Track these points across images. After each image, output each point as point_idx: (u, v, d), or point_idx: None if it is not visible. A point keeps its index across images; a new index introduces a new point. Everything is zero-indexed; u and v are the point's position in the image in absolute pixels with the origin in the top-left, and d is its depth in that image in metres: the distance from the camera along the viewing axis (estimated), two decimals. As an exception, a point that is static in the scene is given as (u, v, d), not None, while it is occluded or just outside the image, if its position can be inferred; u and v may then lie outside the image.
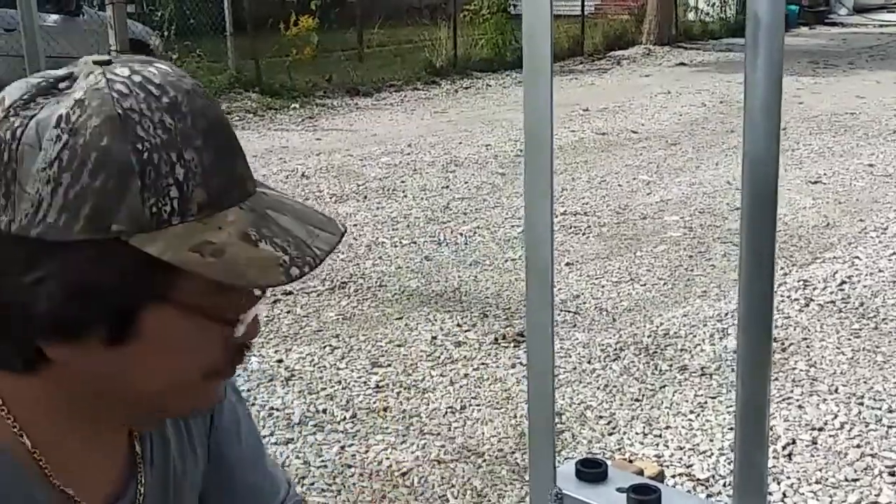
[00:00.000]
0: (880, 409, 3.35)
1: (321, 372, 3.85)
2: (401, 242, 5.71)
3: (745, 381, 1.15)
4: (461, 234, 5.87)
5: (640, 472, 1.59)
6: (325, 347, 4.10)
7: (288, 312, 4.54)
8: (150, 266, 0.80)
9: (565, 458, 2.93)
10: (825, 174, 7.10)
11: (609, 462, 1.45)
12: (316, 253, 0.85)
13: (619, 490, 1.36)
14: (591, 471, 1.41)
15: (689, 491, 2.80)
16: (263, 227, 0.84)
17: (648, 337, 4.15)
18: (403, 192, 6.94)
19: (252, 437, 1.25)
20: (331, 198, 6.76)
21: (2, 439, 0.89)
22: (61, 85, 0.82)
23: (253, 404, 3.45)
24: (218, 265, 0.81)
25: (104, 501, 0.98)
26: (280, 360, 3.94)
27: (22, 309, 0.81)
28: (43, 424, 0.90)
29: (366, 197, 6.79)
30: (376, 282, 5.01)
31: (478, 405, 3.54)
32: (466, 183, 7.18)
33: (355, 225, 6.08)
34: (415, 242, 5.72)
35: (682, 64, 14.67)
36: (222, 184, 0.83)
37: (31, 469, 0.90)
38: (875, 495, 2.80)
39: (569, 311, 4.53)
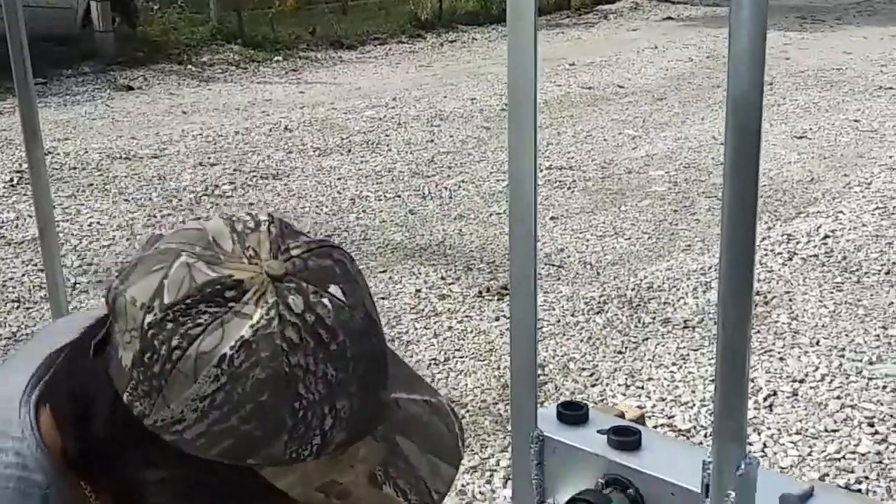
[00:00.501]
0: (861, 361, 3.37)
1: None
2: (385, 196, 5.69)
3: (726, 327, 1.14)
4: (446, 188, 5.84)
5: (622, 415, 1.59)
6: (308, 299, 4.09)
7: (271, 265, 4.52)
8: (274, 491, 0.80)
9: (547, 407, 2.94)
10: (811, 129, 7.09)
11: (590, 405, 1.45)
12: (434, 499, 0.86)
13: (600, 432, 1.36)
14: (573, 413, 1.41)
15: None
16: (391, 466, 0.83)
17: (632, 290, 4.16)
18: (388, 145, 6.90)
19: None
20: (314, 151, 6.71)
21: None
22: (228, 294, 0.76)
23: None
24: None
25: None
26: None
27: (136, 492, 0.81)
28: None
29: (349, 150, 6.75)
30: (360, 235, 4.99)
31: (461, 357, 3.55)
32: (451, 137, 7.14)
33: (339, 178, 6.05)
34: (399, 196, 5.69)
35: (670, 18, 14.57)
36: (364, 421, 0.81)
37: None
38: (854, 445, 2.83)
39: (553, 265, 4.53)
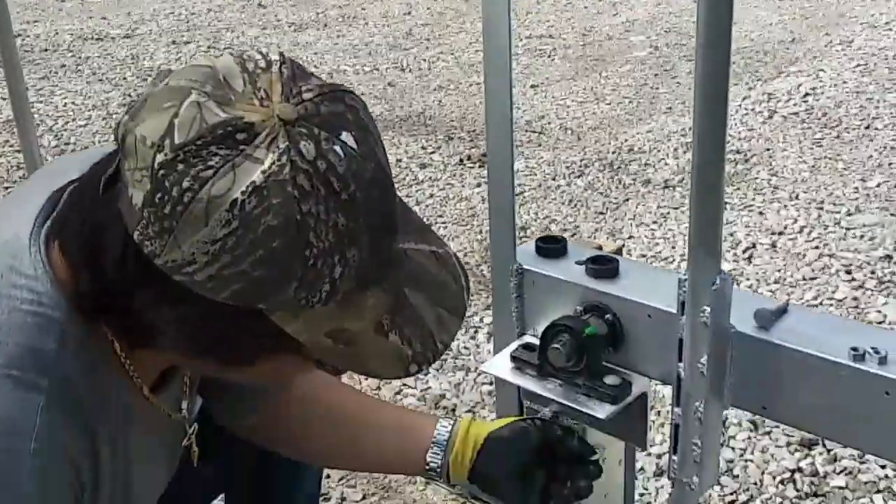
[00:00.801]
0: (839, 212, 3.40)
1: (286, 195, 3.83)
2: (363, 70, 5.61)
3: (701, 140, 1.14)
4: (424, 60, 5.76)
5: (599, 248, 1.60)
6: (289, 172, 4.07)
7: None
8: (283, 335, 0.81)
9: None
10: (793, -9, 6.98)
11: (568, 239, 1.46)
12: (437, 348, 0.88)
13: (578, 262, 1.37)
14: (551, 246, 1.42)
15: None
16: (398, 314, 0.85)
17: (613, 153, 4.16)
18: (364, 19, 6.77)
19: None
20: (289, 26, 6.58)
21: (107, 356, 0.91)
22: (239, 136, 0.75)
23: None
24: (346, 354, 0.84)
25: (166, 395, 1.03)
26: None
27: (149, 331, 0.83)
28: (140, 356, 0.93)
29: (326, 25, 6.62)
30: (339, 108, 4.93)
31: (444, 223, 3.56)
32: (429, 9, 7.00)
33: (315, 53, 5.95)
34: (377, 69, 5.62)
35: None
36: (373, 270, 0.82)
37: (130, 381, 0.95)
38: (832, 292, 2.88)
39: (534, 132, 4.50)
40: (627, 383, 1.28)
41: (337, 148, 0.77)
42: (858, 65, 5.07)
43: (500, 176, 1.44)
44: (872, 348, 1.10)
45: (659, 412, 2.16)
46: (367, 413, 1.34)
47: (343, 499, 2.10)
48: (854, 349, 1.11)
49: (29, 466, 0.81)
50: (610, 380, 1.28)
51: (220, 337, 0.82)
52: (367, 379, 2.37)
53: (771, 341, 1.16)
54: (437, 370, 2.58)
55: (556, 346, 1.27)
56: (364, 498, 2.10)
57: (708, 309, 1.15)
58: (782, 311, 1.21)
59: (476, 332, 2.79)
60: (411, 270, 0.88)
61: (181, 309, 0.79)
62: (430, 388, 2.50)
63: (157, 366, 0.97)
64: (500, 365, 1.37)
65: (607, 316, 1.30)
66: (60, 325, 0.86)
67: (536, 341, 1.33)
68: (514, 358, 1.36)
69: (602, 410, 1.25)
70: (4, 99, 4.66)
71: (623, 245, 2.91)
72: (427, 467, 1.26)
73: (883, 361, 1.09)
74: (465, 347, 2.70)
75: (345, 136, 0.78)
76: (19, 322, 0.84)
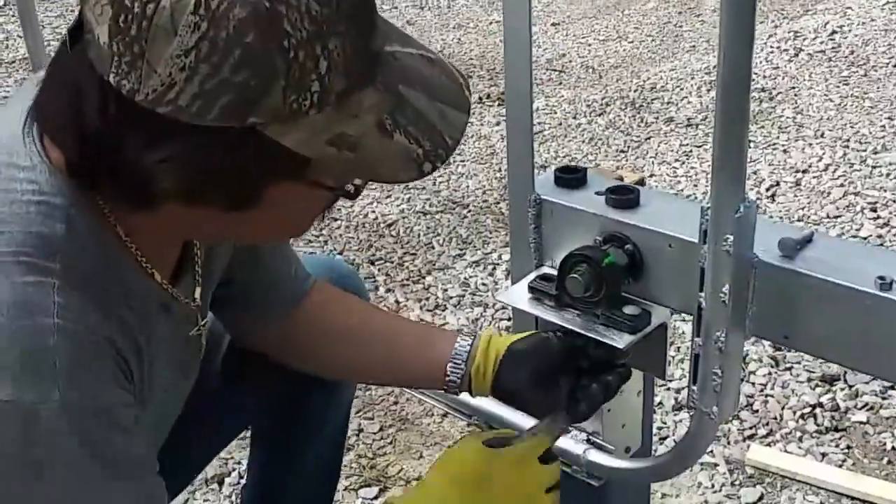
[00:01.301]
0: (865, 150, 3.34)
1: (304, 133, 3.81)
2: (381, 8, 5.50)
3: (726, 63, 1.11)
4: (444, -2, 5.69)
5: (621, 179, 1.58)
6: (307, 111, 4.05)
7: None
8: (283, 152, 0.77)
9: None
10: (821, -73, 6.81)
11: (589, 169, 1.44)
12: (447, 143, 0.84)
13: (598, 193, 1.34)
14: (570, 176, 1.39)
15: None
16: (398, 113, 0.81)
17: (635, 91, 4.10)
18: (383, -43, 6.66)
19: None
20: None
21: (111, 238, 0.89)
22: None
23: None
24: (353, 160, 0.80)
25: (175, 274, 1.01)
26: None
27: (144, 182, 0.79)
28: (143, 232, 0.91)
29: (344, -36, 6.53)
30: (357, 47, 4.89)
31: (462, 161, 3.53)
32: (449, -53, 6.89)
33: (334, -8, 5.87)
34: (396, 7, 5.55)
35: None
36: (361, 66, 0.79)
37: (135, 262, 0.93)
38: (856, 230, 2.84)
39: (554, 70, 4.44)
40: (647, 313, 1.26)
41: None
42: (888, 2, 4.95)
43: (519, 107, 1.40)
44: (900, 277, 1.08)
45: (679, 347, 2.14)
46: (389, 327, 1.33)
47: (360, 430, 2.10)
48: (881, 278, 1.08)
49: (55, 336, 0.80)
50: (629, 309, 1.26)
51: (219, 171, 0.78)
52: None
53: (795, 270, 1.14)
54: (456, 306, 2.57)
55: (574, 275, 1.24)
56: (381, 429, 2.11)
57: (731, 237, 1.12)
58: (807, 239, 1.18)
59: (494, 268, 2.77)
60: (403, 71, 0.84)
61: (173, 146, 0.76)
62: (447, 323, 2.49)
63: (163, 245, 0.95)
64: (518, 295, 1.35)
65: (627, 246, 1.28)
66: (65, 210, 0.84)
67: (554, 272, 1.31)
68: (531, 288, 1.34)
69: (621, 340, 1.23)
70: (20, 37, 4.63)
71: (645, 176, 2.87)
72: (448, 379, 1.25)
73: (909, 290, 1.06)
74: (483, 284, 2.69)
75: None
76: (23, 212, 0.83)
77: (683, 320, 2.13)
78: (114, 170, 0.79)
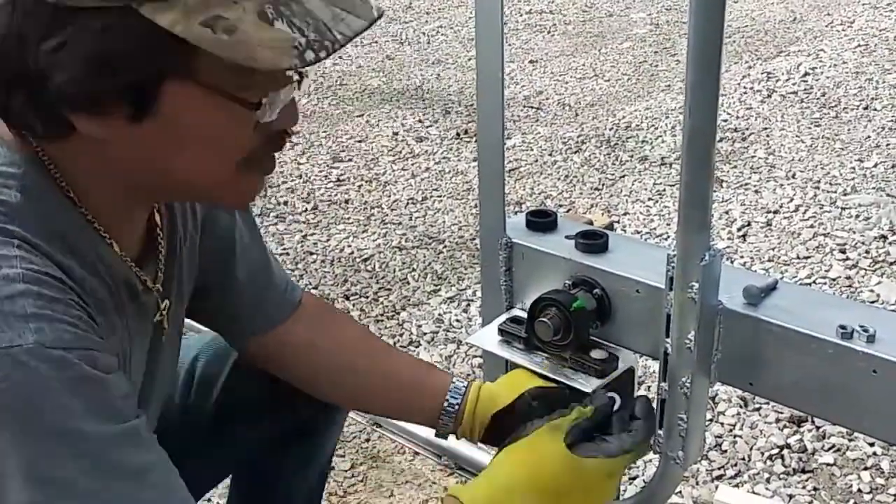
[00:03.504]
0: (835, 192, 3.39)
1: (281, 167, 3.82)
2: (361, 42, 5.57)
3: (692, 115, 1.14)
4: (424, 34, 5.73)
5: (590, 223, 1.60)
6: (285, 144, 4.06)
7: (247, 111, 4.47)
8: (163, 37, 0.78)
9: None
10: (795, -31, 6.94)
11: (559, 213, 1.46)
12: (336, 38, 0.82)
13: (568, 237, 1.37)
14: (541, 220, 1.41)
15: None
16: (283, 6, 0.80)
17: (610, 130, 4.14)
18: (364, -8, 6.72)
19: (249, 215, 1.29)
20: None
21: (65, 202, 0.91)
22: None
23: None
24: (229, 43, 0.79)
25: (139, 262, 1.02)
26: (240, 156, 3.91)
27: (44, 77, 0.80)
28: (91, 192, 0.92)
29: (325, -3, 6.58)
30: (336, 80, 4.92)
31: (439, 196, 3.55)
32: (429, -18, 6.96)
33: (314, 25, 5.92)
34: (376, 42, 5.59)
35: None
36: None
37: (91, 229, 0.94)
38: (826, 271, 2.87)
39: (531, 107, 4.48)
40: (614, 357, 1.28)
41: None
42: (858, 45, 5.05)
43: (490, 151, 1.43)
44: (861, 326, 1.10)
45: (649, 387, 2.16)
46: (383, 360, 1.34)
47: (331, 467, 2.10)
48: (842, 327, 1.10)
49: (21, 282, 0.81)
50: (597, 354, 1.27)
51: (105, 58, 0.79)
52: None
53: (758, 317, 1.16)
54: (430, 343, 2.58)
55: (543, 319, 1.26)
56: (352, 467, 2.11)
57: (696, 285, 1.14)
58: (771, 287, 1.21)
59: (469, 304, 2.78)
60: None
61: (63, 32, 0.78)
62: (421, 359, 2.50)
63: (116, 212, 0.95)
64: (488, 337, 1.37)
65: (595, 290, 1.30)
66: (20, 179, 0.87)
67: (524, 314, 1.32)
68: (501, 331, 1.35)
69: (589, 384, 1.25)
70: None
71: (615, 220, 2.90)
72: (438, 426, 1.28)
73: (871, 339, 1.08)
74: (457, 320, 2.70)
75: None
76: None
77: (652, 358, 2.15)
78: (22, 76, 0.81)
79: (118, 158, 0.89)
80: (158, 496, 0.87)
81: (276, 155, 0.96)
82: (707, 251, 1.14)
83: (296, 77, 0.89)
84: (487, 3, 1.28)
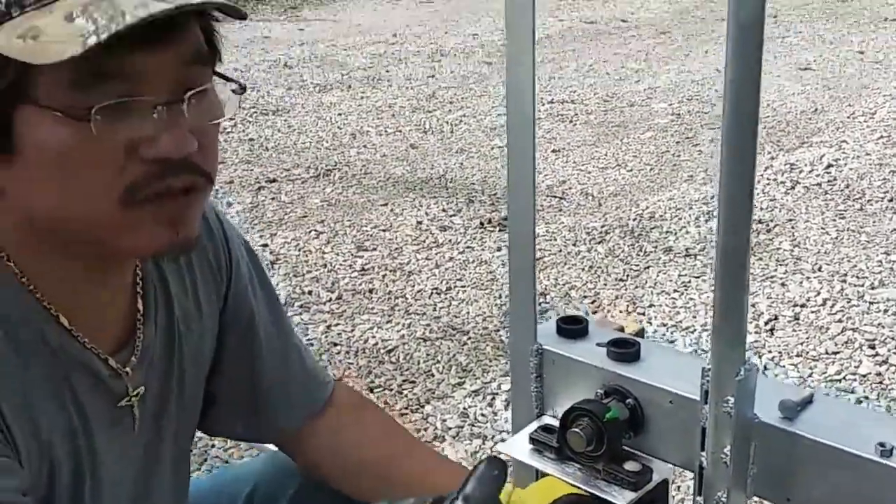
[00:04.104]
0: (863, 286, 3.37)
1: (306, 256, 3.85)
2: (386, 131, 5.66)
3: (725, 228, 1.14)
4: (447, 123, 5.81)
5: (621, 329, 1.59)
6: (310, 232, 4.09)
7: (272, 199, 4.52)
8: (1, 64, 0.79)
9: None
10: (815, 61, 7.01)
11: (590, 319, 1.45)
12: (126, 20, 0.77)
13: (599, 345, 1.36)
14: (572, 327, 1.41)
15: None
16: (92, 6, 0.79)
17: (634, 220, 4.15)
18: (388, 81, 6.84)
19: (274, 303, 1.25)
20: (314, 87, 6.66)
21: (1, 271, 0.90)
22: None
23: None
24: (32, 46, 0.78)
25: (111, 346, 0.99)
26: (265, 245, 3.94)
27: None
28: (27, 258, 0.90)
29: (350, 87, 6.69)
30: (361, 169, 4.97)
31: (463, 286, 3.56)
32: (452, 72, 7.08)
33: (339, 114, 6.01)
34: (400, 131, 5.66)
35: (673, -48, 14.35)
36: None
37: (36, 304, 0.91)
38: (855, 367, 2.84)
39: (555, 197, 4.51)
40: (648, 469, 1.26)
41: None
42: (881, 136, 5.07)
43: (522, 253, 1.43)
44: (901, 443, 1.08)
45: (683, 500, 2.12)
46: (404, 460, 1.32)
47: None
48: (881, 444, 1.08)
49: None
50: (630, 465, 1.25)
51: None
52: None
53: (795, 433, 1.14)
54: (455, 438, 2.56)
55: (576, 430, 1.25)
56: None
57: (732, 399, 1.13)
58: (807, 401, 1.19)
59: (494, 398, 2.76)
60: None
61: None
62: (446, 455, 2.47)
63: (52, 271, 0.92)
64: (519, 446, 1.35)
65: (628, 400, 1.29)
66: None
67: (555, 422, 1.31)
68: (532, 440, 1.34)
69: (622, 497, 1.23)
70: None
71: (642, 314, 2.89)
72: None
73: (911, 458, 1.06)
74: (482, 415, 2.67)
75: None
76: None
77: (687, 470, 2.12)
78: None
79: (19, 209, 0.87)
80: None
81: (186, 199, 0.89)
82: (742, 365, 1.13)
83: (157, 98, 0.84)
84: (518, 94, 1.29)
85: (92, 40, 0.76)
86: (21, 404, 0.89)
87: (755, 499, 1.21)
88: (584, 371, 1.34)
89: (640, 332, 1.78)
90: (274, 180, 4.75)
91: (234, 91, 0.92)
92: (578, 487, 1.26)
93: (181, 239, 0.90)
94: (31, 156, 0.83)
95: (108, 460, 1.00)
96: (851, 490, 1.11)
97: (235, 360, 1.19)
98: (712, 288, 3.36)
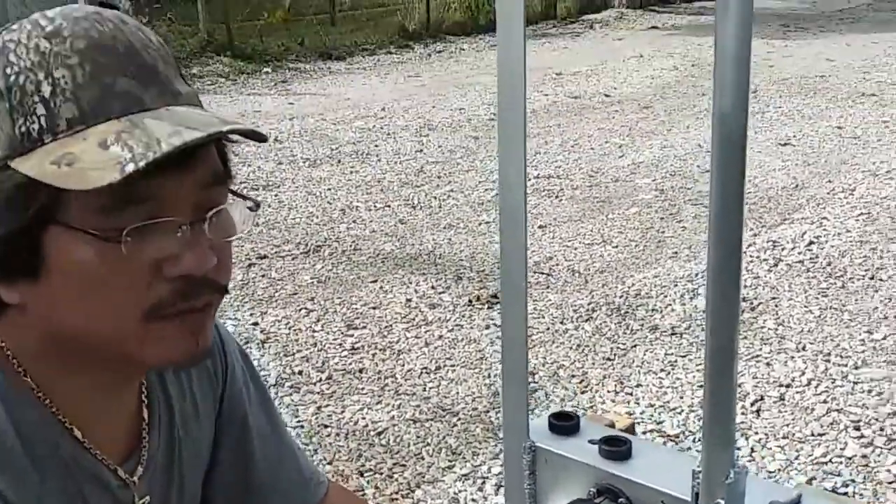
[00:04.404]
0: (846, 365, 3.42)
1: (296, 335, 3.87)
2: (375, 206, 5.72)
3: (714, 335, 1.18)
4: (435, 198, 5.88)
5: (612, 425, 1.62)
6: (300, 310, 4.12)
7: (263, 276, 4.56)
8: (32, 187, 0.82)
9: (538, 415, 2.98)
10: (794, 136, 7.16)
11: (581, 415, 1.49)
12: (162, 148, 0.81)
13: (591, 442, 1.39)
14: (564, 423, 1.44)
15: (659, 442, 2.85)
16: (126, 133, 0.82)
17: (620, 297, 4.21)
18: (377, 155, 6.93)
19: (268, 406, 1.26)
20: (304, 162, 6.75)
21: (19, 386, 0.92)
22: None
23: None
24: (67, 173, 0.81)
25: (119, 456, 1.01)
26: (255, 323, 3.96)
27: None
28: (43, 372, 0.93)
29: (339, 161, 6.78)
30: (351, 245, 5.02)
31: (452, 366, 3.58)
32: (440, 147, 7.18)
33: (329, 189, 6.08)
34: (389, 206, 5.73)
35: (655, 27, 14.66)
36: (97, 97, 0.83)
37: (51, 417, 0.93)
38: (840, 449, 2.87)
39: (542, 273, 4.56)
40: (641, 570, 1.28)
41: (81, 11, 0.85)
42: (861, 213, 5.17)
43: (514, 356, 1.47)
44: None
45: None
46: None
47: None
48: (868, 545, 1.12)
49: None
50: (623, 565, 1.28)
51: None
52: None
53: (785, 535, 1.17)
54: (444, 523, 2.56)
55: (571, 530, 1.27)
56: None
57: (722, 502, 1.16)
58: (796, 501, 1.23)
59: (484, 482, 2.77)
60: (176, 112, 0.85)
61: None
62: (437, 543, 2.48)
63: (76, 395, 0.95)
64: (516, 545, 1.37)
65: (620, 499, 1.31)
66: None
67: (550, 521, 1.34)
68: (528, 539, 1.36)
69: None
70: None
71: (634, 420, 2.91)
72: None
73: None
74: (473, 500, 2.68)
75: (107, 12, 0.86)
76: None
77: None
78: None
79: (40, 325, 0.90)
80: None
81: (204, 314, 0.93)
82: (732, 468, 1.16)
83: (183, 219, 0.87)
84: (509, 166, 1.33)
85: (129, 167, 0.79)
86: None
87: None
88: (577, 469, 1.37)
89: (631, 428, 1.82)
90: (265, 256, 4.79)
91: (249, 208, 0.96)
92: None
93: (199, 350, 0.94)
94: (58, 275, 0.86)
95: None
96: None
97: (231, 462, 1.21)
98: (698, 367, 3.40)
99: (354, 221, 5.43)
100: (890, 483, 2.67)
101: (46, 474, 0.93)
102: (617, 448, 1.35)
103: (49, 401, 0.94)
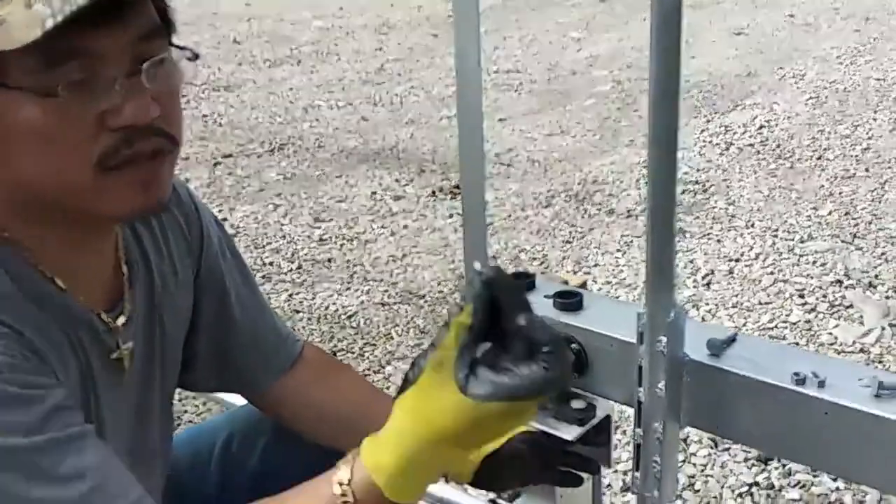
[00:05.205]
0: (793, 240, 3.58)
1: (265, 228, 3.97)
2: (337, 105, 5.76)
3: (654, 192, 1.29)
4: (396, 95, 5.92)
5: (566, 283, 1.75)
6: (267, 206, 4.21)
7: (229, 174, 4.62)
8: None
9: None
10: (748, 25, 7.22)
11: (537, 275, 1.61)
12: (78, 2, 0.85)
13: (546, 296, 1.51)
14: (521, 281, 1.56)
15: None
16: None
17: (578, 184, 4.33)
18: (337, 55, 6.92)
19: (245, 271, 1.34)
20: (264, 62, 6.73)
21: (1, 242, 0.99)
22: None
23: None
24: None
25: (102, 306, 1.09)
26: (224, 219, 4.04)
27: None
28: (19, 228, 0.99)
29: (299, 61, 6.77)
30: (314, 143, 5.08)
31: (418, 253, 3.70)
32: (400, 45, 7.17)
33: (290, 89, 6.09)
34: (351, 104, 5.76)
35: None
36: None
37: (34, 270, 1.01)
38: (786, 315, 3.04)
39: (502, 164, 4.67)
40: (592, 406, 1.42)
41: None
42: (810, 97, 5.30)
43: (474, 216, 1.57)
44: (813, 373, 1.24)
45: (625, 431, 2.30)
46: (375, 409, 1.42)
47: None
48: (796, 374, 1.25)
49: None
50: (576, 403, 1.42)
51: None
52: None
53: (721, 368, 1.30)
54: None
55: (528, 373, 1.40)
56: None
57: (664, 339, 1.29)
58: (732, 339, 1.36)
59: (451, 359, 2.92)
60: None
61: None
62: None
63: (53, 247, 1.01)
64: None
65: (573, 345, 1.44)
66: None
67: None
68: (491, 384, 1.49)
69: (570, 432, 1.39)
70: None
71: (587, 279, 3.06)
72: None
73: (822, 385, 1.22)
74: (442, 374, 2.83)
75: None
76: None
77: (627, 406, 2.29)
78: None
79: (3, 185, 0.96)
80: (96, 497, 0.91)
81: (155, 162, 0.98)
82: (673, 309, 1.29)
83: (118, 71, 0.92)
84: (468, 65, 1.42)
85: (49, 22, 0.84)
86: (47, 342, 0.98)
87: (688, 428, 1.37)
88: (535, 322, 1.49)
89: (583, 285, 1.94)
90: (229, 155, 4.84)
91: (188, 59, 1.02)
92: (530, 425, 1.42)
93: (154, 200, 1.00)
94: (7, 135, 0.91)
95: (107, 408, 1.10)
96: (772, 416, 1.28)
97: (211, 322, 1.28)
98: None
99: (317, 120, 5.47)
100: (830, 344, 2.86)
101: (44, 310, 1.00)
102: (569, 300, 1.47)
103: (28, 254, 1.00)
